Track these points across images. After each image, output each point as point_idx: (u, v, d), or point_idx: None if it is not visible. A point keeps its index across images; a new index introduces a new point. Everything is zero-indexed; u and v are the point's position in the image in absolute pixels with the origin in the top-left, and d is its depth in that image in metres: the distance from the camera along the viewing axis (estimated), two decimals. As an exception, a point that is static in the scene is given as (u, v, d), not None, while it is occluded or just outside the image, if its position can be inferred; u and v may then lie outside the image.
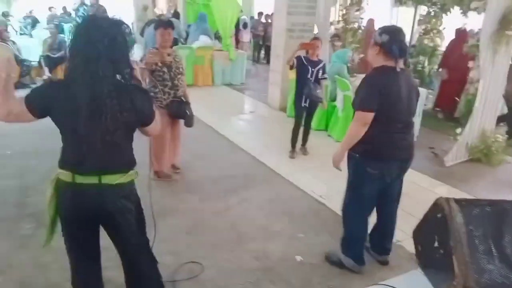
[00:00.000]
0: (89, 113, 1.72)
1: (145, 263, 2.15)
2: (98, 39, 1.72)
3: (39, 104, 1.78)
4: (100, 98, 1.72)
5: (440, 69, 7.32)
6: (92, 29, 1.75)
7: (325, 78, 5.06)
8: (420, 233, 2.50)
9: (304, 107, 5.00)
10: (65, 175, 1.85)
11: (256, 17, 13.93)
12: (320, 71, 4.92)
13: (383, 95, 2.48)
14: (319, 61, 4.97)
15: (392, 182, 2.81)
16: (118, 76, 1.80)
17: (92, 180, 1.83)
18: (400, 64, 2.53)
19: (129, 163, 1.95)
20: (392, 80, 2.52)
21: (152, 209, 2.36)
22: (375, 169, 2.66)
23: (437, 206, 2.26)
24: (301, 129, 5.20)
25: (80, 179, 1.83)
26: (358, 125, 2.57)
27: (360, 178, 2.73)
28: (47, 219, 2.01)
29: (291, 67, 5.00)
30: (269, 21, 12.64)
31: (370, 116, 2.51)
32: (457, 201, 2.19)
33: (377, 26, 7.00)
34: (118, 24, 1.81)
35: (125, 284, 2.21)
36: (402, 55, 2.54)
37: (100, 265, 2.17)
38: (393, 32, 2.54)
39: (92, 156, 1.80)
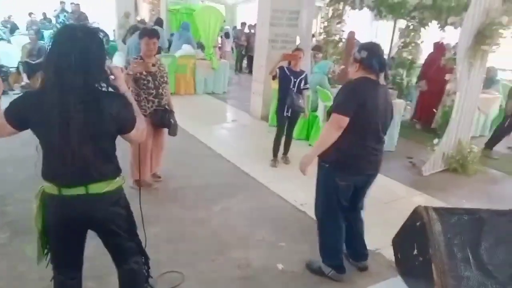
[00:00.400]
0: (58, 126, 1.71)
1: (137, 263, 2.18)
2: (70, 50, 1.70)
3: (17, 115, 1.76)
4: (68, 111, 1.70)
5: (419, 82, 7.50)
6: (65, 39, 1.74)
7: (307, 89, 5.15)
8: (400, 241, 2.56)
9: (286, 117, 5.06)
10: (50, 188, 1.83)
11: (239, 27, 14.04)
12: (302, 82, 5.00)
13: (360, 104, 2.52)
14: (301, 72, 5.06)
15: (356, 191, 2.86)
16: (94, 85, 1.79)
17: (79, 191, 1.82)
18: (381, 79, 2.60)
19: (114, 171, 1.93)
20: (371, 91, 2.58)
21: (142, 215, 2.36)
22: (343, 180, 2.72)
23: (416, 215, 2.31)
24: (283, 139, 5.25)
25: (66, 191, 1.81)
26: (332, 128, 2.57)
27: (329, 188, 2.78)
28: (36, 235, 1.99)
29: (274, 78, 5.08)
30: (252, 31, 12.77)
31: (345, 120, 2.52)
32: (436, 209, 2.25)
33: (357, 38, 7.13)
34: (93, 32, 1.79)
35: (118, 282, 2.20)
36: (382, 69, 2.62)
37: (81, 274, 2.14)
38: (372, 48, 2.63)
39: (73, 167, 1.77)
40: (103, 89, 1.83)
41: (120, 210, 1.99)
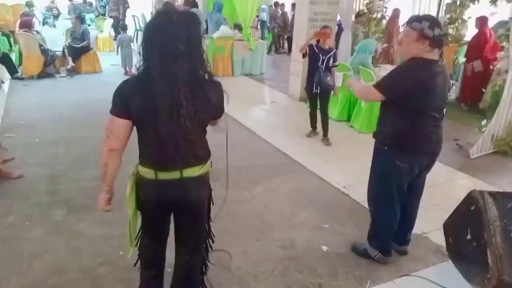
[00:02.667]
0: (168, 115, 1.74)
1: (199, 255, 2.26)
2: (176, 38, 1.69)
3: (120, 104, 1.79)
4: (177, 100, 1.72)
5: (471, 61, 7.09)
6: (169, 26, 1.70)
7: (335, 66, 5.20)
8: (452, 226, 2.51)
9: (316, 94, 5.19)
10: (147, 173, 1.89)
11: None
12: (331, 59, 5.07)
13: (418, 88, 2.44)
14: (330, 49, 5.16)
15: (419, 173, 2.79)
16: (198, 72, 1.81)
17: (175, 175, 1.88)
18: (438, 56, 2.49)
19: (206, 156, 1.99)
20: (431, 73, 2.47)
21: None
22: (405, 162, 2.63)
23: (471, 199, 2.26)
24: (319, 117, 5.34)
25: (162, 176, 1.88)
26: (362, 96, 2.84)
27: (389, 171, 2.69)
28: (129, 217, 2.05)
29: (304, 56, 5.20)
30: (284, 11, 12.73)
31: (377, 96, 2.54)
32: (492, 194, 2.20)
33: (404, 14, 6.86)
34: (193, 19, 1.80)
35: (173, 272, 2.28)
36: (442, 47, 2.51)
37: (166, 243, 2.25)
38: (440, 24, 2.50)
39: (173, 153, 1.82)
40: (204, 75, 1.85)
41: (207, 192, 2.10)
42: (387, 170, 2.71)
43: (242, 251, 3.03)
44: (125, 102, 1.77)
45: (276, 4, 13.93)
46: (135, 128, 1.87)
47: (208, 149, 2.02)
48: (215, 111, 1.94)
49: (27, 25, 8.21)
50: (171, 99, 1.72)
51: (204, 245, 2.35)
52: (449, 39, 7.63)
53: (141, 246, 2.18)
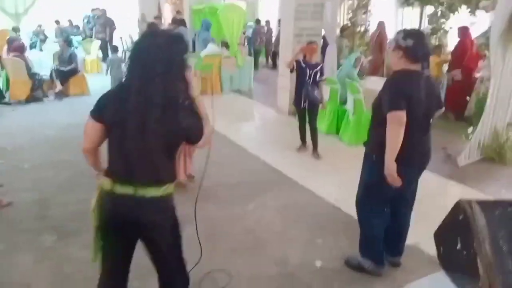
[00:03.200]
0: (134, 132, 1.77)
1: (179, 282, 2.15)
2: (156, 59, 1.75)
3: (97, 111, 1.86)
4: (149, 122, 1.75)
5: (452, 70, 7.26)
6: (152, 47, 1.78)
7: (322, 80, 5.28)
8: (442, 235, 2.50)
9: (304, 108, 5.24)
10: (107, 183, 1.89)
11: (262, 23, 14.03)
12: (318, 74, 5.13)
13: (406, 99, 2.48)
14: (317, 64, 5.25)
15: (407, 184, 2.81)
16: (175, 95, 1.81)
17: (128, 190, 1.85)
18: (424, 68, 2.53)
19: (166, 179, 1.93)
20: (415, 84, 2.53)
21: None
22: None
23: (459, 208, 2.26)
24: (308, 130, 5.40)
25: (118, 189, 1.86)
26: (395, 127, 2.49)
27: (376, 179, 2.71)
28: (92, 231, 2.01)
29: (291, 71, 5.28)
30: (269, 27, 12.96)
31: (403, 115, 2.46)
32: (479, 202, 2.19)
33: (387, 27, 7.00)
34: (176, 41, 1.84)
35: None
36: (426, 59, 2.56)
37: (127, 280, 2.16)
38: (418, 36, 2.57)
39: (133, 169, 1.84)
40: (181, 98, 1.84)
41: (164, 221, 1.98)
42: (374, 178, 2.73)
43: (235, 269, 3.01)
44: (102, 108, 1.84)
45: (258, 21, 14.14)
46: None
47: (171, 174, 1.97)
48: (184, 136, 1.91)
49: (19, 49, 8.23)
50: (141, 117, 1.75)
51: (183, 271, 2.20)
52: (442, 50, 7.77)
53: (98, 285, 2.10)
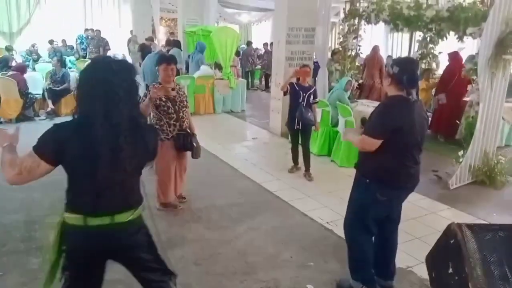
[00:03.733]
0: (109, 161, 1.74)
1: (163, 281, 2.13)
2: (117, 85, 1.75)
3: (52, 149, 1.74)
4: (118, 146, 1.75)
5: (438, 94, 7.42)
6: (110, 74, 1.76)
7: (316, 103, 5.36)
8: (434, 260, 2.51)
9: (297, 130, 5.29)
10: (75, 219, 1.83)
11: (256, 46, 14.27)
12: (311, 96, 5.21)
13: (396, 125, 2.55)
14: (310, 87, 5.32)
15: (396, 206, 2.84)
16: (137, 117, 1.86)
17: (105, 220, 1.83)
18: (413, 94, 2.59)
19: (138, 201, 1.97)
20: (405, 111, 2.59)
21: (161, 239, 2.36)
22: (384, 195, 2.70)
23: (450, 232, 2.27)
24: (300, 152, 5.43)
25: (92, 222, 1.82)
26: (362, 147, 2.70)
27: (368, 202, 2.75)
28: (47, 264, 1.95)
29: (285, 93, 5.33)
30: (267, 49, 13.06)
31: (377, 143, 2.58)
32: (469, 226, 2.21)
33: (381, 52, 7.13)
34: (130, 68, 1.89)
35: None
36: (413, 85, 2.61)
37: None
38: (404, 64, 2.66)
39: (107, 198, 1.82)
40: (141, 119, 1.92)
41: (142, 238, 2.00)
42: (366, 201, 2.76)
43: (225, 294, 2.96)
44: (59, 147, 1.73)
45: (249, 43, 14.34)
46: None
47: (140, 193, 2.00)
48: (152, 155, 1.99)
49: (21, 70, 8.34)
50: (112, 144, 1.74)
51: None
52: (431, 75, 7.94)
53: None
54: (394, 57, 11.37)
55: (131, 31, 14.34)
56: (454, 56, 7.24)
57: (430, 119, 7.65)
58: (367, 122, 2.76)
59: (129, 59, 13.22)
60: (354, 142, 2.78)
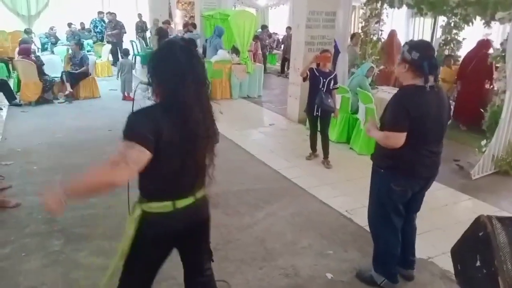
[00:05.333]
0: (204, 142, 1.82)
1: (210, 268, 2.21)
2: (202, 69, 1.82)
3: (152, 134, 1.63)
4: (209, 126, 1.83)
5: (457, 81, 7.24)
6: (194, 58, 1.78)
7: (336, 88, 5.24)
8: (460, 252, 2.44)
9: (317, 116, 5.20)
10: (163, 207, 1.81)
11: (273, 30, 14.06)
12: (332, 82, 5.10)
13: (412, 116, 2.44)
14: (330, 72, 5.20)
15: (412, 196, 2.76)
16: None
17: (190, 200, 1.87)
18: (431, 81, 2.48)
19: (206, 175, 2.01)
20: (422, 100, 2.48)
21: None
22: (399, 186, 2.63)
23: (479, 224, 2.20)
24: (319, 139, 5.35)
25: (180, 204, 1.84)
26: (388, 144, 2.53)
27: (384, 194, 2.69)
28: (115, 258, 1.86)
29: (305, 79, 5.21)
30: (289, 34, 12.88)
31: (402, 137, 2.46)
32: (500, 219, 2.14)
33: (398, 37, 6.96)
34: (196, 50, 1.90)
35: None
36: (433, 72, 2.48)
37: None
38: (424, 49, 2.49)
39: (193, 179, 1.87)
40: None
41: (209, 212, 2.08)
42: (382, 192, 2.71)
43: (244, 280, 2.96)
44: (157, 130, 1.64)
45: (264, 26, 14.14)
46: None
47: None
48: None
49: (25, 52, 8.26)
50: (205, 126, 1.79)
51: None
52: (452, 61, 7.70)
53: None
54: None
55: (139, 15, 14.25)
56: (483, 43, 6.93)
57: (452, 107, 7.53)
58: (384, 115, 2.64)
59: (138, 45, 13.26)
60: (380, 139, 2.61)
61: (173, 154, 1.72)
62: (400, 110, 2.49)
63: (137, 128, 1.65)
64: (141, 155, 1.62)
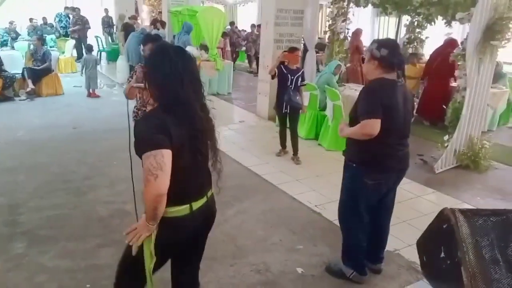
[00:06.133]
0: (205, 147, 1.90)
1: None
2: (197, 71, 1.88)
3: (164, 135, 1.64)
4: (209, 125, 1.89)
5: (423, 78, 7.47)
6: (190, 61, 1.81)
7: (304, 85, 5.31)
8: (425, 244, 2.54)
9: (286, 114, 5.25)
10: (182, 210, 1.81)
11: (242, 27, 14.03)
12: (299, 79, 5.15)
13: (384, 104, 2.50)
14: (298, 69, 5.26)
15: (387, 191, 2.83)
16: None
17: (203, 200, 1.91)
18: (399, 77, 2.56)
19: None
20: (391, 92, 2.56)
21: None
22: (372, 179, 2.68)
23: (443, 217, 2.30)
24: (289, 136, 5.40)
25: (196, 205, 1.86)
26: (364, 132, 2.52)
27: (357, 188, 2.74)
28: (148, 272, 1.82)
29: (273, 77, 5.25)
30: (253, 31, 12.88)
31: (378, 124, 2.47)
32: (462, 211, 2.24)
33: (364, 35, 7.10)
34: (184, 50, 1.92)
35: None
36: (401, 67, 2.59)
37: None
38: (392, 46, 2.59)
39: (205, 178, 1.94)
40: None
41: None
42: (354, 186, 2.76)
43: (215, 278, 2.95)
44: (167, 132, 1.64)
45: (232, 23, 14.12)
46: None
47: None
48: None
49: None
50: (206, 124, 1.84)
51: None
52: (416, 59, 7.92)
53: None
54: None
55: (106, 9, 13.92)
56: (450, 42, 7.14)
57: (416, 104, 7.77)
58: (354, 109, 2.68)
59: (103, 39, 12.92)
60: (355, 132, 2.61)
61: (185, 155, 1.74)
62: (374, 99, 2.54)
63: (148, 138, 1.64)
64: (163, 158, 1.61)
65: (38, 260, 3.06)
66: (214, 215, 2.07)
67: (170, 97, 1.73)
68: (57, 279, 2.84)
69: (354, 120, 2.67)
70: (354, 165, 2.72)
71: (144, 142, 1.63)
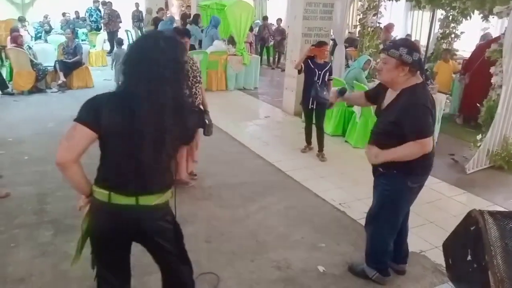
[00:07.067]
0: (151, 143, 1.71)
1: (186, 272, 2.10)
2: (162, 64, 1.67)
3: (92, 116, 1.68)
4: (163, 126, 1.70)
5: (463, 74, 7.17)
6: (156, 51, 1.68)
7: (331, 80, 5.19)
8: (451, 246, 2.44)
9: (312, 109, 5.16)
10: (101, 194, 1.78)
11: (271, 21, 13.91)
12: (327, 74, 5.06)
13: (432, 119, 2.43)
14: (326, 64, 5.14)
15: None
16: (183, 97, 1.82)
17: (129, 201, 1.76)
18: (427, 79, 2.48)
19: (169, 184, 1.89)
20: (429, 94, 2.49)
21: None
22: (415, 182, 2.58)
23: (471, 219, 2.20)
24: (314, 132, 5.32)
25: (116, 199, 1.76)
26: (418, 152, 2.38)
27: (400, 194, 2.62)
28: (79, 234, 1.93)
29: (299, 72, 5.18)
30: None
31: (431, 142, 2.39)
32: (491, 214, 2.13)
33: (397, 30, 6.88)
34: (178, 45, 1.81)
35: None
36: (422, 68, 2.51)
37: (130, 285, 2.09)
38: (417, 48, 2.47)
39: (137, 178, 1.76)
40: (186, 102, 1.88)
41: (167, 225, 1.92)
42: (396, 192, 2.61)
43: (235, 273, 2.94)
44: (97, 114, 1.67)
45: (265, 17, 13.99)
46: None
47: (172, 177, 1.93)
48: (190, 137, 1.96)
49: (15, 40, 8.16)
50: (156, 124, 1.69)
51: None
52: (449, 55, 7.63)
53: (99, 281, 2.01)
54: (414, 37, 11.03)
55: (136, 4, 14.09)
56: (489, 37, 6.83)
57: (450, 102, 7.50)
58: (397, 121, 2.46)
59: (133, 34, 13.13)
60: (406, 155, 2.41)
61: (118, 143, 1.72)
62: (427, 114, 2.39)
63: (81, 110, 1.71)
64: (75, 131, 1.68)
65: (63, 248, 3.13)
66: (144, 230, 1.84)
67: (123, 84, 1.73)
68: (81, 268, 2.87)
69: (392, 130, 2.48)
70: (395, 171, 2.55)
71: (79, 113, 1.71)
